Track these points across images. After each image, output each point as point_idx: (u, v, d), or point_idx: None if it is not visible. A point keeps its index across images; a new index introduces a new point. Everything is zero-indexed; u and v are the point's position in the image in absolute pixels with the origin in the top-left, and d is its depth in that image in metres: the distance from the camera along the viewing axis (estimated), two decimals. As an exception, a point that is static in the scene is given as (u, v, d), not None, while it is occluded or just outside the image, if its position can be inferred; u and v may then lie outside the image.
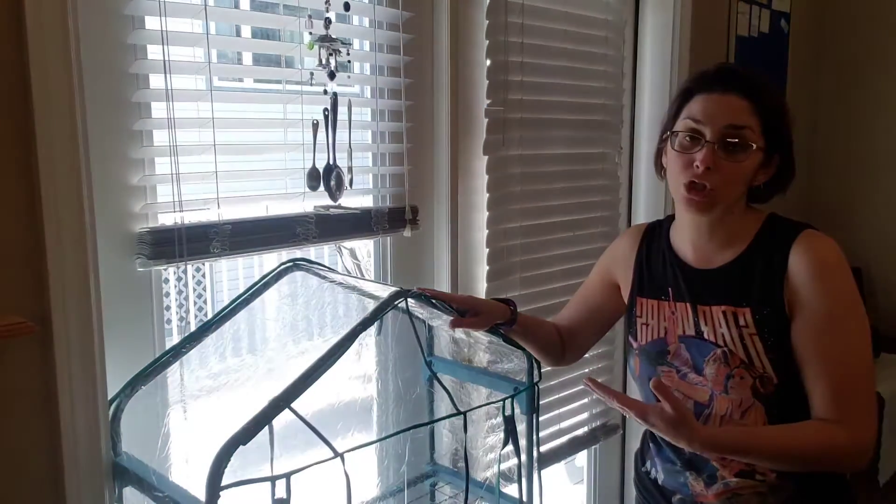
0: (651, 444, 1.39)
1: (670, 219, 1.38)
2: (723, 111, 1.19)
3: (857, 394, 1.17)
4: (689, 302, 1.27)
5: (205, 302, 4.15)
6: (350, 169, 1.43)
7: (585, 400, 2.16)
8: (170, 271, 1.28)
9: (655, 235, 1.39)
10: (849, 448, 1.15)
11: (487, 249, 1.78)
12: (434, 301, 1.25)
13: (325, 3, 1.35)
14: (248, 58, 1.53)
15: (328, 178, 1.39)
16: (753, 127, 1.19)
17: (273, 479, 0.93)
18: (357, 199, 1.54)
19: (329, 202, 1.42)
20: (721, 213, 1.23)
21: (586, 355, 1.57)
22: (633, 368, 1.38)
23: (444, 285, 1.70)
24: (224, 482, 0.90)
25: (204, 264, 1.27)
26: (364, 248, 1.65)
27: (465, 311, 1.29)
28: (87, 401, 1.10)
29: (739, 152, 1.18)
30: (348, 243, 1.54)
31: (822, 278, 1.17)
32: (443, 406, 1.52)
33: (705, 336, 1.25)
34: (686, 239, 1.30)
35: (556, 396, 2.04)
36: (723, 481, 1.26)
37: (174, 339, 1.28)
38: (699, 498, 1.29)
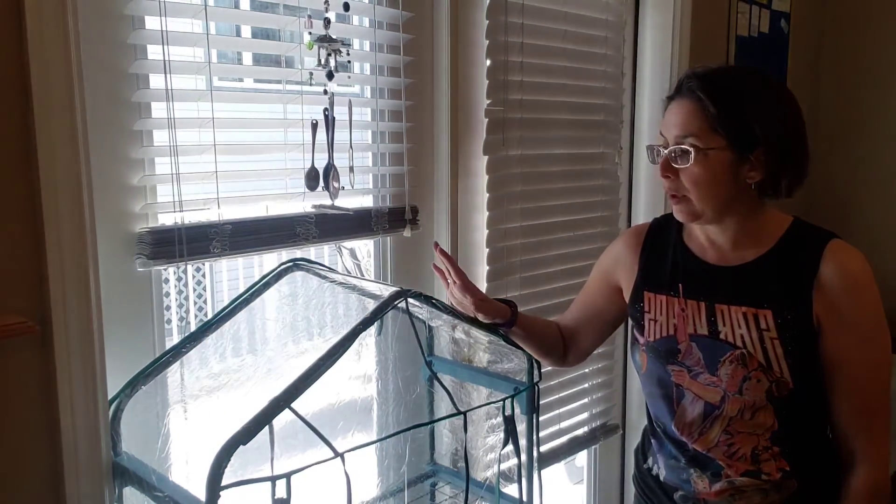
0: (653, 441, 1.38)
1: None
2: (672, 120, 1.21)
3: (880, 409, 1.20)
4: (705, 300, 1.26)
5: (205, 302, 4.15)
6: (351, 169, 1.43)
7: (585, 400, 2.16)
8: (170, 271, 1.28)
9: (662, 231, 1.38)
10: (877, 477, 1.20)
11: (487, 249, 1.78)
12: (434, 301, 1.25)
13: (325, 3, 1.35)
14: (248, 58, 1.53)
15: (327, 177, 1.39)
16: (699, 130, 1.17)
17: (273, 479, 0.93)
18: (357, 199, 1.54)
19: (327, 202, 1.42)
20: (719, 216, 1.22)
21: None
22: (638, 364, 1.36)
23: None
24: (224, 482, 0.90)
25: (204, 264, 1.27)
26: (364, 248, 1.65)
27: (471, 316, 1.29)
28: (87, 400, 1.10)
29: (681, 159, 1.19)
30: (348, 243, 1.54)
31: (858, 294, 1.18)
32: (443, 406, 1.52)
33: (721, 336, 1.24)
34: (702, 235, 1.30)
35: (556, 396, 2.04)
36: (727, 479, 1.26)
37: (174, 339, 1.28)
38: (702, 495, 1.29)
